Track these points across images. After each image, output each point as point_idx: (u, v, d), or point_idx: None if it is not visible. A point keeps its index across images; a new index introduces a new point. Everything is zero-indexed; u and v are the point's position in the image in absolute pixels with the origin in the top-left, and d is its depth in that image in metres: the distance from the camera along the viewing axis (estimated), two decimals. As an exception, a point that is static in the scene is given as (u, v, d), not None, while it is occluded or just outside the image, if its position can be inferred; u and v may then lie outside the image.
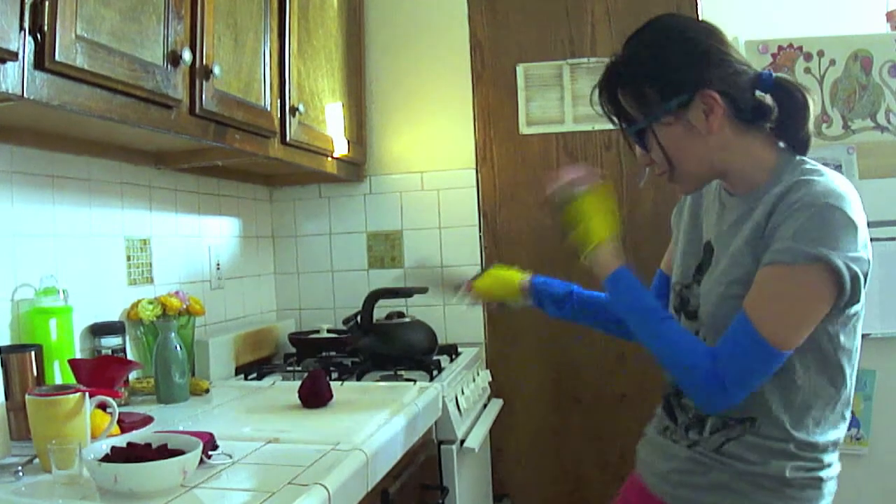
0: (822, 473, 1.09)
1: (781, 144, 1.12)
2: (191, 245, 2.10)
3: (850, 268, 0.99)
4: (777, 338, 1.01)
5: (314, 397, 1.57)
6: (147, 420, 1.43)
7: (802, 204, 1.01)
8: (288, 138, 1.87)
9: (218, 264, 2.22)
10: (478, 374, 2.25)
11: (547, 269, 2.44)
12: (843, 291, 1.00)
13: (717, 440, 1.12)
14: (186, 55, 1.37)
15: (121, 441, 1.08)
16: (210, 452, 1.16)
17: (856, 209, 1.02)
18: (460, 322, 2.47)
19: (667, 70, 1.09)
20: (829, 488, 1.10)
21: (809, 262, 0.98)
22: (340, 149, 2.25)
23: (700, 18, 1.14)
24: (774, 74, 1.10)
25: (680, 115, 1.08)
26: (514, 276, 1.50)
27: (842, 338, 1.07)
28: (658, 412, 1.27)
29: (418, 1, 2.53)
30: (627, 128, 1.15)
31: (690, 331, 1.16)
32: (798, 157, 1.10)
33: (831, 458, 1.11)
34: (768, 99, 1.10)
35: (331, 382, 1.65)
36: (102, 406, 1.21)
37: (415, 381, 1.82)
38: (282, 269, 2.63)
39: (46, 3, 1.04)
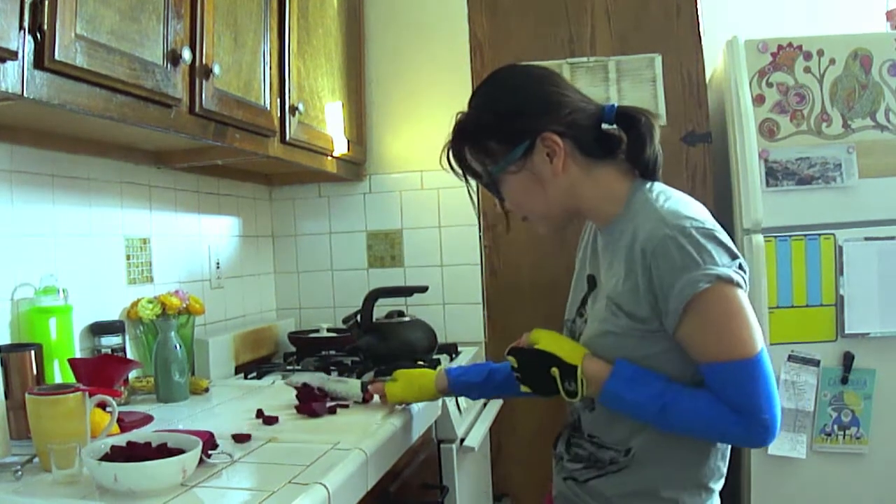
0: None
1: (637, 172, 1.13)
2: (191, 244, 2.10)
3: (740, 274, 1.00)
4: (747, 348, 0.99)
5: (311, 413, 1.52)
6: (147, 419, 1.43)
7: (660, 239, 1.01)
8: (288, 137, 1.87)
9: (218, 263, 2.22)
10: (478, 374, 2.25)
11: (547, 267, 2.46)
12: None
13: (584, 475, 1.14)
14: (186, 54, 1.37)
15: (120, 440, 1.08)
16: (210, 451, 1.16)
17: (703, 214, 1.05)
18: (460, 321, 2.47)
19: (504, 122, 1.11)
20: None
21: (709, 283, 0.98)
22: (340, 148, 2.25)
23: (539, 64, 1.16)
24: (616, 105, 1.12)
25: (524, 162, 1.11)
26: (426, 376, 1.44)
27: None
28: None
29: (418, 1, 2.53)
30: (478, 181, 1.18)
31: None
32: (646, 184, 1.11)
33: (703, 497, 1.09)
34: (616, 130, 1.12)
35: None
36: (102, 405, 1.21)
37: (415, 380, 1.81)
38: (281, 268, 2.63)
39: (46, 3, 1.04)
